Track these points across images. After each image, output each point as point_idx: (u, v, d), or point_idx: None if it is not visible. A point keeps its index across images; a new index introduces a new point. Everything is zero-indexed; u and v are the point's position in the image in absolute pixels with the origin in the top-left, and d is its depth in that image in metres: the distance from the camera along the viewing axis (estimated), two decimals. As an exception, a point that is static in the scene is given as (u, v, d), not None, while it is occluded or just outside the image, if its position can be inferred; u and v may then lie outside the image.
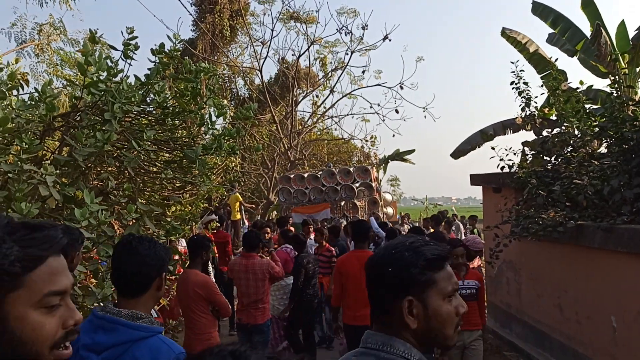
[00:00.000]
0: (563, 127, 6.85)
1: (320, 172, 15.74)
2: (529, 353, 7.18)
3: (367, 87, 17.60)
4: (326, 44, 18.28)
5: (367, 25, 15.09)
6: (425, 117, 16.41)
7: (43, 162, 3.70)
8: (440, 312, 1.43)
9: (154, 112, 4.85)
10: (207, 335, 4.55)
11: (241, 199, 13.00)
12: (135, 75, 4.51)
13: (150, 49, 4.51)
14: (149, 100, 4.89)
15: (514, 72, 7.03)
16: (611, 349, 5.36)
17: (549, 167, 6.84)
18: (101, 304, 1.99)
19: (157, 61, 4.52)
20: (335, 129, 20.11)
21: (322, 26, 18.48)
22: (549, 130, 7.07)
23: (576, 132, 6.58)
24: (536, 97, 7.18)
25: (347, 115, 17.53)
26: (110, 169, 4.87)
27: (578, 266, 6.10)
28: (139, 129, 4.56)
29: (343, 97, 17.61)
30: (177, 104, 5.03)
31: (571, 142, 6.66)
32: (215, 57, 18.92)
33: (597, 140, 6.75)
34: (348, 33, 15.02)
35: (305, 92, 18.50)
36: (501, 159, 7.00)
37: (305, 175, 15.82)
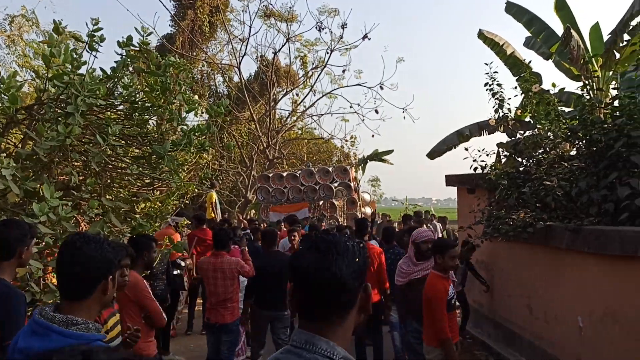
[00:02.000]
0: (535, 130, 6.91)
1: (299, 172, 15.68)
2: (499, 352, 7.23)
3: (347, 86, 17.59)
4: (306, 43, 18.26)
5: (346, 24, 15.09)
6: (404, 117, 16.47)
7: (0, 156, 3.61)
8: None
9: (122, 106, 4.77)
10: (137, 345, 3.78)
11: (215, 198, 12.87)
12: (101, 68, 4.43)
13: (117, 42, 4.43)
14: (117, 94, 4.81)
15: (488, 73, 7.08)
16: (577, 348, 5.41)
17: (520, 169, 6.90)
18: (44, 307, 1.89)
19: (124, 54, 4.44)
20: (315, 129, 20.11)
21: (299, 23, 18.27)
22: (522, 132, 7.13)
23: (549, 134, 6.65)
24: (509, 98, 7.25)
25: (327, 114, 17.52)
26: (76, 164, 4.79)
27: (547, 267, 6.16)
28: (106, 124, 4.48)
29: (323, 96, 17.59)
30: (146, 98, 4.96)
31: (542, 144, 6.72)
32: (194, 54, 18.77)
33: (569, 143, 6.83)
34: (323, 28, 14.97)
35: (284, 91, 18.45)
36: (474, 160, 7.04)
37: (284, 174, 15.74)
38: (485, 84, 7.10)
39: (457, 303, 8.59)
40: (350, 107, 16.81)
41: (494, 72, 7.05)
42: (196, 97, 5.28)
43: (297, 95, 18.93)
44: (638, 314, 4.50)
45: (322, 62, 17.03)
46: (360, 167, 19.74)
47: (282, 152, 17.77)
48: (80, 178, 4.89)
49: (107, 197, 5.35)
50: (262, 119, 17.71)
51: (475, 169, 7.11)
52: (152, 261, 4.15)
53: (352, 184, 15.41)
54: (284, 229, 9.94)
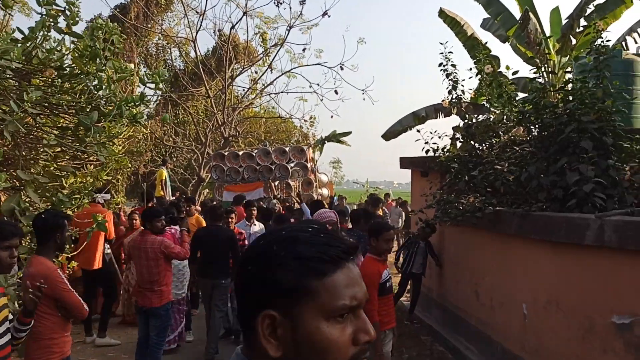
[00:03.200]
0: (489, 113, 6.77)
1: (256, 151, 15.35)
2: (446, 337, 7.16)
3: (307, 65, 17.17)
4: (266, 19, 17.76)
5: (304, 0, 14.67)
6: (364, 99, 16.24)
7: None
8: (316, 338, 0.96)
9: (43, 71, 4.35)
10: (47, 342, 3.53)
11: (165, 175, 12.44)
12: (17, 28, 4.01)
13: (35, -1, 3.99)
14: (41, 58, 4.38)
15: (442, 53, 6.87)
16: (521, 336, 5.34)
17: (472, 153, 6.77)
18: None
19: (44, 13, 4.03)
20: (274, 107, 19.69)
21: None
22: (476, 115, 6.98)
23: (502, 117, 6.52)
24: (464, 80, 7.07)
25: (284, 92, 17.07)
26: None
27: (495, 252, 6.07)
28: (23, 90, 4.07)
29: (282, 74, 17.15)
30: (74, 65, 4.55)
31: (495, 127, 6.59)
32: (149, 26, 18.05)
33: (521, 127, 6.72)
34: (282, 3, 14.53)
35: (242, 67, 17.93)
36: (426, 142, 6.87)
37: (240, 153, 15.38)
38: (440, 64, 6.89)
39: (407, 287, 8.54)
40: (310, 86, 16.40)
41: (448, 52, 6.86)
42: (131, 65, 4.88)
43: (255, 73, 18.47)
44: (581, 302, 4.42)
45: (282, 39, 16.60)
46: (318, 147, 19.48)
47: (237, 130, 17.33)
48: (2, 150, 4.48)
49: (32, 170, 4.96)
50: (217, 96, 17.20)
51: (427, 151, 6.94)
52: (65, 243, 3.66)
53: (309, 165, 15.17)
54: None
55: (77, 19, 4.09)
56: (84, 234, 6.57)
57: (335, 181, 39.56)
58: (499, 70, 8.75)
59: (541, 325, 4.99)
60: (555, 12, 9.49)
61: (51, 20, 4.13)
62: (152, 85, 4.97)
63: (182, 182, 18.59)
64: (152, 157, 17.02)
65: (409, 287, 8.55)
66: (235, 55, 17.90)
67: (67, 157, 5.01)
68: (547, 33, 9.17)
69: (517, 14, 9.21)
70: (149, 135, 16.16)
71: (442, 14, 10.31)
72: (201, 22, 15.47)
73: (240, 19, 15.70)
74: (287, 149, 15.31)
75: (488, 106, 7.37)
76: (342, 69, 15.90)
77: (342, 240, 1.04)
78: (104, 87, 4.44)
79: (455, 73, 6.94)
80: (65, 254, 5.64)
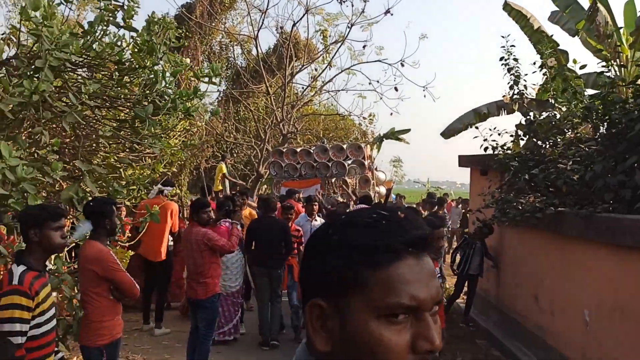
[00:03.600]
0: (552, 110, 6.45)
1: (313, 148, 15.39)
2: (502, 342, 6.90)
3: (367, 62, 17.04)
4: (328, 17, 17.74)
5: (369, -3, 14.53)
6: (425, 96, 15.92)
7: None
8: (363, 336, 0.85)
9: (103, 65, 4.49)
10: (97, 324, 3.63)
11: (225, 170, 12.65)
12: (77, 22, 4.15)
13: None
14: (97, 52, 4.51)
15: (504, 47, 6.60)
16: (582, 343, 5.06)
17: (534, 151, 6.47)
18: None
19: (103, 8, 4.15)
20: (332, 105, 19.61)
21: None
22: (538, 111, 6.67)
23: (566, 113, 6.20)
24: (526, 74, 6.75)
25: (342, 90, 16.97)
26: (54, 125, 4.55)
27: (555, 255, 5.78)
28: (82, 82, 4.21)
29: (342, 71, 17.07)
30: (133, 59, 4.67)
31: (559, 124, 6.28)
32: (213, 24, 18.42)
33: (588, 124, 6.37)
34: (345, 1, 14.44)
35: (302, 65, 17.99)
36: (484, 139, 6.63)
37: (298, 149, 15.48)
38: (501, 58, 6.62)
39: (465, 288, 8.28)
40: (369, 83, 16.22)
41: (510, 46, 6.57)
42: (187, 60, 4.95)
43: (315, 70, 18.49)
44: (649, 311, 4.13)
45: (342, 36, 16.52)
46: (376, 145, 19.26)
47: (295, 127, 17.41)
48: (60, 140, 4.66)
49: (93, 160, 5.14)
50: (277, 93, 17.35)
51: (486, 148, 6.69)
52: (115, 227, 3.78)
53: (366, 162, 15.06)
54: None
55: (132, 12, 4.16)
56: (148, 225, 6.77)
57: (395, 180, 39.11)
58: (566, 64, 8.34)
59: (604, 333, 4.71)
60: (630, 4, 8.91)
61: (110, 15, 4.26)
62: (209, 80, 5.02)
63: (241, 177, 18.85)
64: (213, 153, 17.36)
65: (465, 288, 8.30)
66: (296, 53, 17.98)
67: (126, 149, 5.16)
68: (618, 25, 8.64)
69: (587, 5, 8.71)
70: (209, 130, 16.51)
71: (507, 6, 9.91)
72: (263, 19, 15.63)
73: (302, 17, 15.71)
74: (344, 146, 15.26)
75: (552, 102, 7.02)
76: (402, 65, 15.65)
77: (411, 230, 0.89)
78: (159, 80, 4.53)
79: (517, 67, 6.65)
80: (122, 243, 5.85)
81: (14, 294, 2.69)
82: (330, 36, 17.59)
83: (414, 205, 20.24)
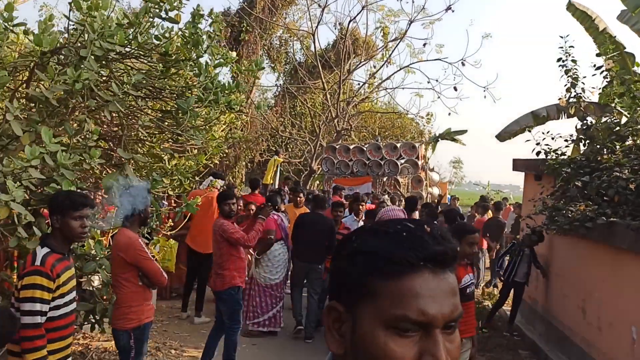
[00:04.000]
0: (611, 114, 6.10)
1: (367, 145, 15.28)
2: (547, 355, 6.62)
3: (427, 60, 16.72)
4: (389, 13, 17.55)
5: (428, -7, 14.26)
6: (485, 97, 15.48)
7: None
8: (370, 345, 0.86)
9: (148, 56, 4.60)
10: (125, 309, 3.76)
11: (280, 162, 12.75)
12: (123, 12, 4.27)
13: (140, -13, 4.22)
14: (141, 43, 4.62)
15: (562, 47, 6.29)
16: (628, 363, 4.78)
17: (590, 157, 6.15)
18: None
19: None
20: (389, 102, 19.39)
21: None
22: (596, 115, 6.32)
23: (626, 118, 5.85)
24: (584, 77, 6.39)
25: (399, 87, 16.74)
26: (102, 114, 4.70)
27: (606, 267, 5.48)
28: (126, 72, 4.33)
29: (400, 69, 16.86)
30: (179, 51, 4.76)
31: (619, 130, 5.93)
32: (274, 19, 18.61)
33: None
34: (405, -2, 14.24)
35: (360, 61, 17.89)
36: (537, 143, 6.35)
37: (351, 146, 15.41)
38: (559, 59, 6.31)
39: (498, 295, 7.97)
40: (428, 82, 15.93)
41: (569, 47, 6.25)
42: (233, 53, 4.99)
43: (374, 67, 18.35)
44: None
45: (402, 33, 16.29)
46: (430, 145, 18.92)
47: (350, 123, 17.33)
48: (103, 129, 4.83)
49: (137, 149, 5.29)
50: (333, 89, 17.33)
51: (538, 153, 6.42)
52: (148, 216, 3.88)
53: (419, 162, 14.84)
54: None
55: (175, 4, 4.23)
56: (197, 217, 6.91)
57: (454, 181, 38.31)
58: (632, 68, 7.89)
59: (652, 354, 4.43)
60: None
61: (155, 6, 4.35)
62: (250, 74, 5.06)
63: (295, 172, 19.01)
64: (268, 147, 17.58)
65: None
66: (355, 49, 17.90)
67: (169, 139, 5.28)
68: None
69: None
70: (265, 124, 16.70)
71: (571, 7, 9.48)
72: (322, 15, 15.65)
73: (359, 13, 15.63)
74: (398, 145, 15.08)
75: (614, 106, 6.65)
76: (463, 64, 15.27)
77: (433, 245, 0.87)
78: (202, 73, 4.60)
79: (576, 69, 6.32)
80: (164, 232, 6.00)
81: (35, 275, 2.79)
82: (390, 33, 17.40)
83: (469, 208, 19.78)
